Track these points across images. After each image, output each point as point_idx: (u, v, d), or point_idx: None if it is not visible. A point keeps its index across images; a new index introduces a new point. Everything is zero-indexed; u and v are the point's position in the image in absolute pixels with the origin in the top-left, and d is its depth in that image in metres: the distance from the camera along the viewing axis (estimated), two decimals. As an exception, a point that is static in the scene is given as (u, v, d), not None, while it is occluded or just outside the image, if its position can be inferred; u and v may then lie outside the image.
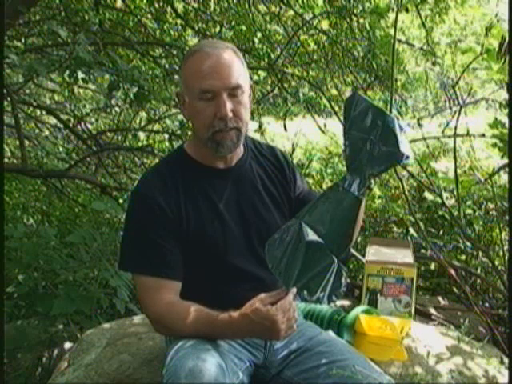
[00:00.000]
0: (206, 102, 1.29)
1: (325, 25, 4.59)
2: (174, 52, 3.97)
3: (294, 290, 1.23)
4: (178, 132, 4.33)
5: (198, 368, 1.12)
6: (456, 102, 3.09)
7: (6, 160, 4.49)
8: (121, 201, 3.60)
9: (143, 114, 5.32)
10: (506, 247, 2.66)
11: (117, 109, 5.36)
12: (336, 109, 3.95)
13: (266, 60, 4.21)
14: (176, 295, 1.32)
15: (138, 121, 5.48)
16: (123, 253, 1.38)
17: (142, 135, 5.31)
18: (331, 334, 1.52)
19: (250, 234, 1.39)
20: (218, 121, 1.29)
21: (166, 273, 1.31)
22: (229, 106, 1.28)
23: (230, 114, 1.29)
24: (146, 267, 1.31)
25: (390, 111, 2.64)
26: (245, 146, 1.47)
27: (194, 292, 1.31)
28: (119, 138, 5.12)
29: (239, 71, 1.31)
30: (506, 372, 1.65)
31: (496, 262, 2.73)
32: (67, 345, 2.29)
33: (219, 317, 1.24)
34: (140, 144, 5.06)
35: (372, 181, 1.26)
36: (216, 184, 1.39)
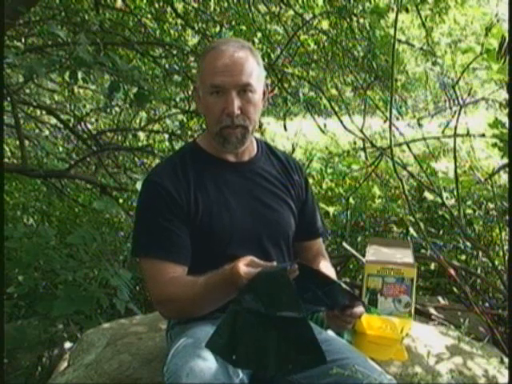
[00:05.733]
0: (215, 97, 1.32)
1: (325, 25, 4.59)
2: (174, 52, 3.97)
3: (294, 266, 1.14)
4: (178, 132, 4.33)
5: (199, 367, 1.11)
6: (456, 102, 3.09)
7: (6, 160, 4.48)
8: (121, 201, 3.60)
9: (143, 114, 5.32)
10: (506, 247, 2.66)
11: (117, 109, 5.35)
12: (336, 109, 3.95)
13: (266, 60, 4.21)
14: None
15: (138, 121, 5.49)
16: (134, 239, 1.41)
17: (142, 135, 5.31)
18: (331, 333, 1.51)
19: (258, 228, 1.40)
20: (226, 117, 1.33)
21: (173, 257, 1.32)
22: (237, 103, 1.31)
23: (238, 112, 1.32)
24: (153, 251, 1.32)
25: (390, 111, 2.64)
26: (258, 146, 1.50)
27: None
28: (119, 138, 5.11)
29: (252, 70, 1.34)
30: (506, 372, 1.65)
31: (496, 262, 2.73)
32: (67, 345, 2.29)
33: (213, 272, 1.23)
34: (140, 144, 5.05)
35: None
36: (226, 175, 1.42)
